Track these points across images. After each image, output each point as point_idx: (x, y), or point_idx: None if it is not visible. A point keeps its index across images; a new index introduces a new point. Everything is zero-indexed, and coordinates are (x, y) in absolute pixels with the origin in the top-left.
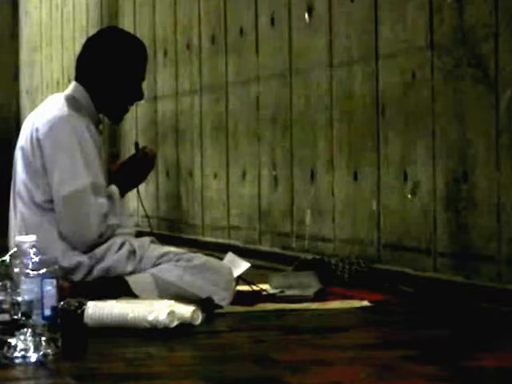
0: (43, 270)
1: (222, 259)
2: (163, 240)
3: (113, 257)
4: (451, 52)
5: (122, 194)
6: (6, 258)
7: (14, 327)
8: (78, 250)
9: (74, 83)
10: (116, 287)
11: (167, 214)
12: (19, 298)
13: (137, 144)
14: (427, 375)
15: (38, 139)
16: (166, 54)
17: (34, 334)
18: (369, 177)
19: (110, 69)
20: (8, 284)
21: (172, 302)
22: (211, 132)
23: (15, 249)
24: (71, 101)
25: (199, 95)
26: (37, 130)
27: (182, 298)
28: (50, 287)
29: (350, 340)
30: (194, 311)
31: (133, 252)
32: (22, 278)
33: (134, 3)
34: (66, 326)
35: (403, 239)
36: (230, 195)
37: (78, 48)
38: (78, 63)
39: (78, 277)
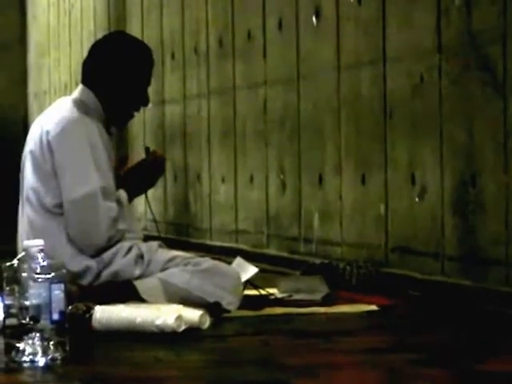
0: (51, 275)
1: (230, 263)
2: (171, 244)
3: (121, 261)
4: (459, 55)
5: (131, 198)
6: (14, 262)
7: (22, 331)
8: (86, 254)
9: (80, 86)
10: (124, 291)
11: (175, 218)
12: (27, 302)
13: (147, 148)
14: (435, 379)
15: (48, 142)
16: (173, 57)
17: (42, 338)
18: (376, 180)
19: (115, 74)
20: (16, 288)
21: (180, 306)
22: (219, 136)
23: (23, 253)
24: (79, 104)
25: (207, 99)
26: (47, 132)
27: (190, 302)
28: (58, 291)
29: (358, 344)
30: (201, 315)
31: (141, 256)
32: (30, 282)
33: (141, 7)
34: (73, 330)
35: (411, 243)
36: (237, 199)
37: (86, 52)
38: (85, 67)
39: (86, 281)
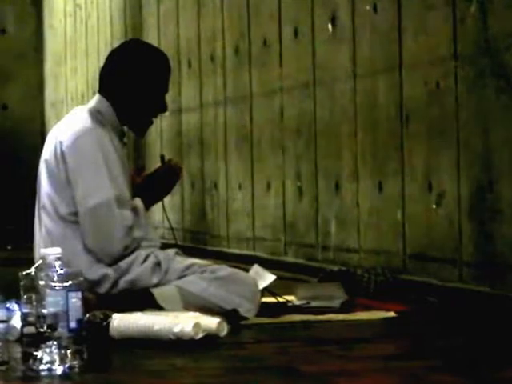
0: (68, 283)
1: (247, 271)
2: (188, 252)
3: (138, 269)
4: (475, 62)
5: (147, 206)
6: (32, 270)
7: (39, 340)
8: (103, 262)
9: (97, 96)
10: (141, 299)
11: (192, 225)
12: (45, 311)
13: (162, 156)
14: None
15: (62, 152)
16: (190, 65)
17: (59, 347)
18: (393, 187)
19: (133, 81)
20: (33, 296)
21: (197, 313)
22: (236, 143)
23: (40, 261)
24: (94, 113)
25: (223, 107)
26: (61, 142)
27: (208, 309)
28: (75, 299)
29: (375, 351)
30: (219, 323)
31: (158, 264)
32: (48, 290)
33: (157, 15)
34: (91, 339)
35: (428, 249)
36: (254, 206)
37: (103, 61)
38: (101, 76)
39: (103, 289)
